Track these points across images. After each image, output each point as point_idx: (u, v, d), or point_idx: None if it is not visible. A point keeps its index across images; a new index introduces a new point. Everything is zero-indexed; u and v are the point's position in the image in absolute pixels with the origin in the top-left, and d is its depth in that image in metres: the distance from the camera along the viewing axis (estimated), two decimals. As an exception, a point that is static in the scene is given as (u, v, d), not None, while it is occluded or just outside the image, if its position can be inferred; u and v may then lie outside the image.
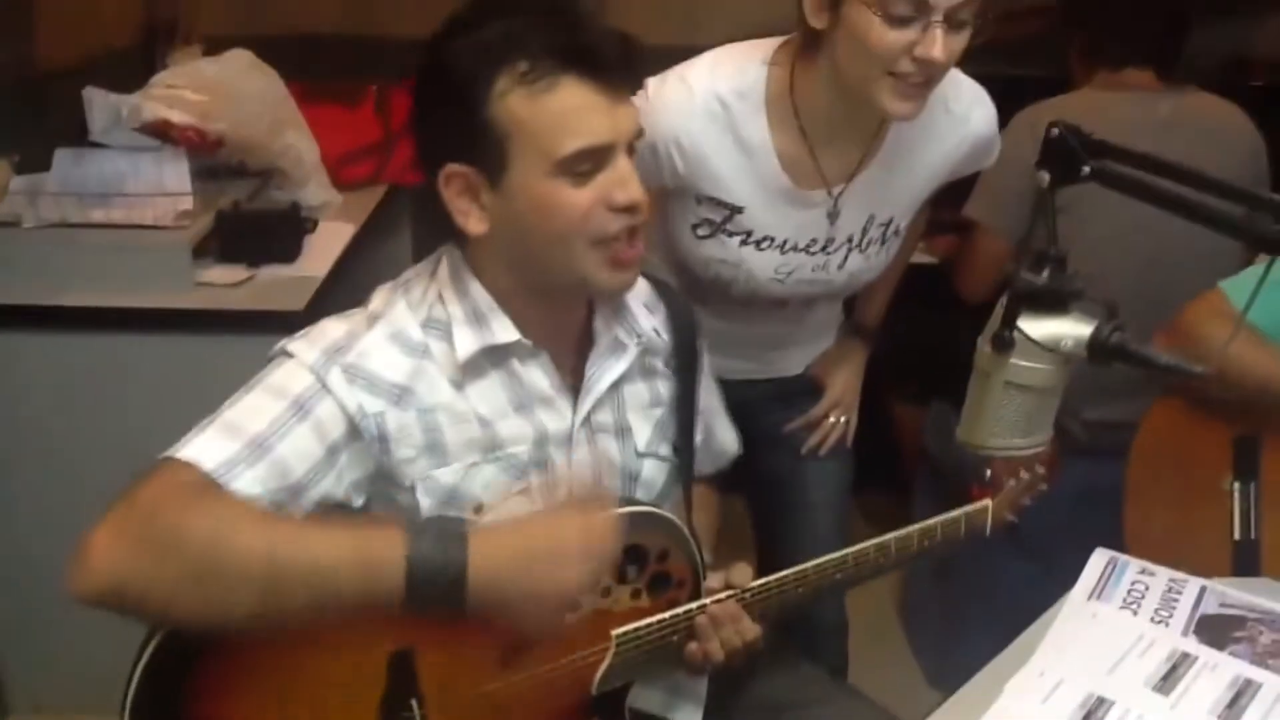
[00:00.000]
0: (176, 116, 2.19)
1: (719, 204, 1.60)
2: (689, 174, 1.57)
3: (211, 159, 2.30)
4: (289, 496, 1.15)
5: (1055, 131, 1.02)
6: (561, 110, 1.15)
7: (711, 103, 1.54)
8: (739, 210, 1.60)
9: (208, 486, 1.10)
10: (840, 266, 1.67)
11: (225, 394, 2.08)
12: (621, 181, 1.18)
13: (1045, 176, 1.02)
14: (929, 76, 1.42)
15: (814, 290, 1.70)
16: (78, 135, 2.17)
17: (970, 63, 2.08)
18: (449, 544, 1.09)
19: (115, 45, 2.66)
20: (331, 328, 1.24)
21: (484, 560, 1.09)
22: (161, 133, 2.17)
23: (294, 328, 2.04)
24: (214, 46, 2.59)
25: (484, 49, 1.16)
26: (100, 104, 2.16)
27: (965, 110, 1.63)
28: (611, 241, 1.20)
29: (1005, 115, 2.29)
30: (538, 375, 1.27)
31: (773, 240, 1.63)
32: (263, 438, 1.14)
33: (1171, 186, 1.02)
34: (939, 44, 1.37)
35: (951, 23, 1.38)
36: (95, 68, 2.44)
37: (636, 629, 1.26)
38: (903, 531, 1.43)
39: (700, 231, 1.64)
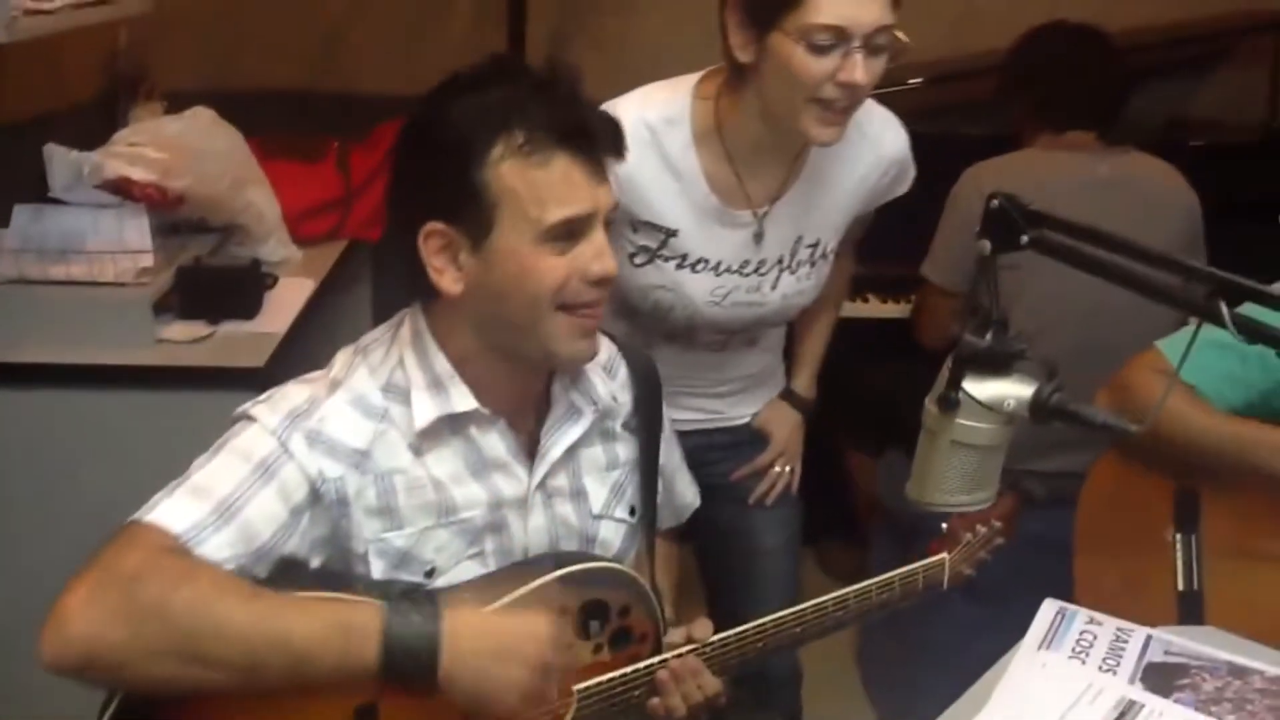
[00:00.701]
0: (138, 174, 2.19)
1: (654, 228, 1.66)
2: (623, 201, 1.62)
3: (172, 215, 2.31)
4: (254, 560, 1.16)
5: (995, 202, 1.06)
6: (554, 182, 1.19)
7: (640, 129, 1.60)
8: (673, 234, 1.66)
9: (180, 552, 1.12)
10: (773, 288, 1.72)
11: (186, 450, 2.08)
12: (598, 253, 1.23)
13: (986, 245, 1.07)
14: (851, 101, 1.51)
15: (750, 314, 1.74)
16: (37, 191, 2.17)
17: (925, 121, 2.16)
18: (425, 619, 1.13)
19: (77, 100, 2.66)
20: (293, 392, 1.26)
21: (457, 640, 1.13)
22: (123, 190, 2.17)
23: (254, 384, 2.06)
24: (176, 103, 2.62)
25: (483, 114, 1.20)
26: (61, 160, 2.17)
27: (879, 133, 1.71)
28: (579, 307, 1.24)
29: (957, 172, 2.38)
30: (494, 441, 1.29)
31: (706, 262, 1.68)
32: (229, 501, 1.16)
33: (1107, 256, 1.07)
34: (860, 68, 1.46)
35: (869, 47, 1.47)
36: (56, 123, 2.45)
37: (598, 684, 1.27)
38: (859, 585, 1.46)
39: (638, 260, 1.69)
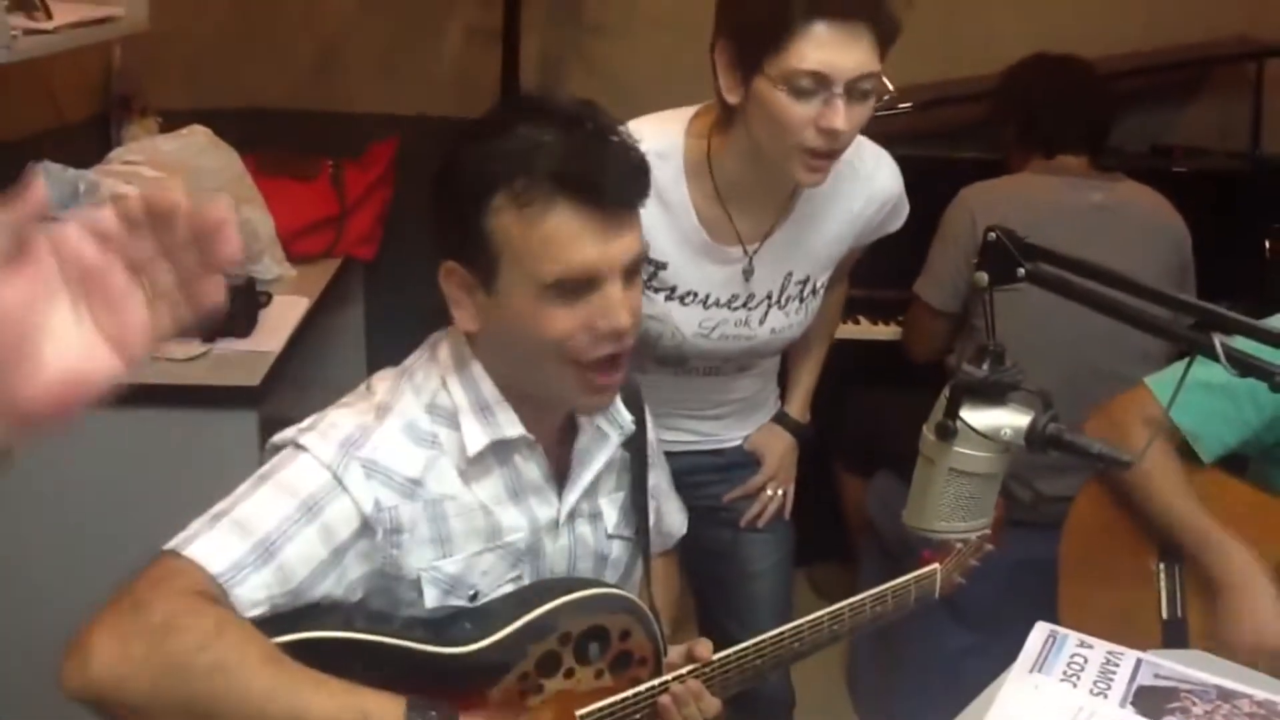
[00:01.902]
0: (134, 192, 2.20)
1: (649, 262, 1.66)
2: None
3: (168, 233, 2.31)
4: (290, 599, 1.16)
5: (993, 235, 1.08)
6: (550, 236, 1.17)
7: None
8: (663, 266, 1.67)
9: (215, 596, 1.11)
10: (761, 322, 1.73)
11: (181, 467, 2.08)
12: (608, 309, 1.19)
13: (984, 277, 1.09)
14: (834, 146, 1.52)
15: (738, 346, 1.75)
16: (32, 209, 2.17)
17: (914, 145, 2.18)
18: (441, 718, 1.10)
19: (71, 119, 2.67)
20: (342, 419, 1.24)
21: None
22: (119, 208, 2.18)
23: (250, 402, 2.07)
24: (170, 121, 2.62)
25: (491, 159, 1.18)
26: (56, 178, 2.17)
27: (871, 171, 1.72)
28: (589, 366, 1.22)
29: (948, 196, 2.41)
30: (532, 467, 1.30)
31: (695, 295, 1.69)
32: (270, 539, 1.14)
33: (1103, 290, 1.09)
34: (841, 115, 1.47)
35: (852, 94, 1.47)
36: (50, 141, 2.45)
37: (600, 709, 1.28)
38: (855, 599, 1.47)
39: None
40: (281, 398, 2.17)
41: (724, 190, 1.65)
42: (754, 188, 1.65)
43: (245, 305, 2.30)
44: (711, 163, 1.64)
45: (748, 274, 1.69)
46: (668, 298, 1.69)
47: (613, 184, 1.19)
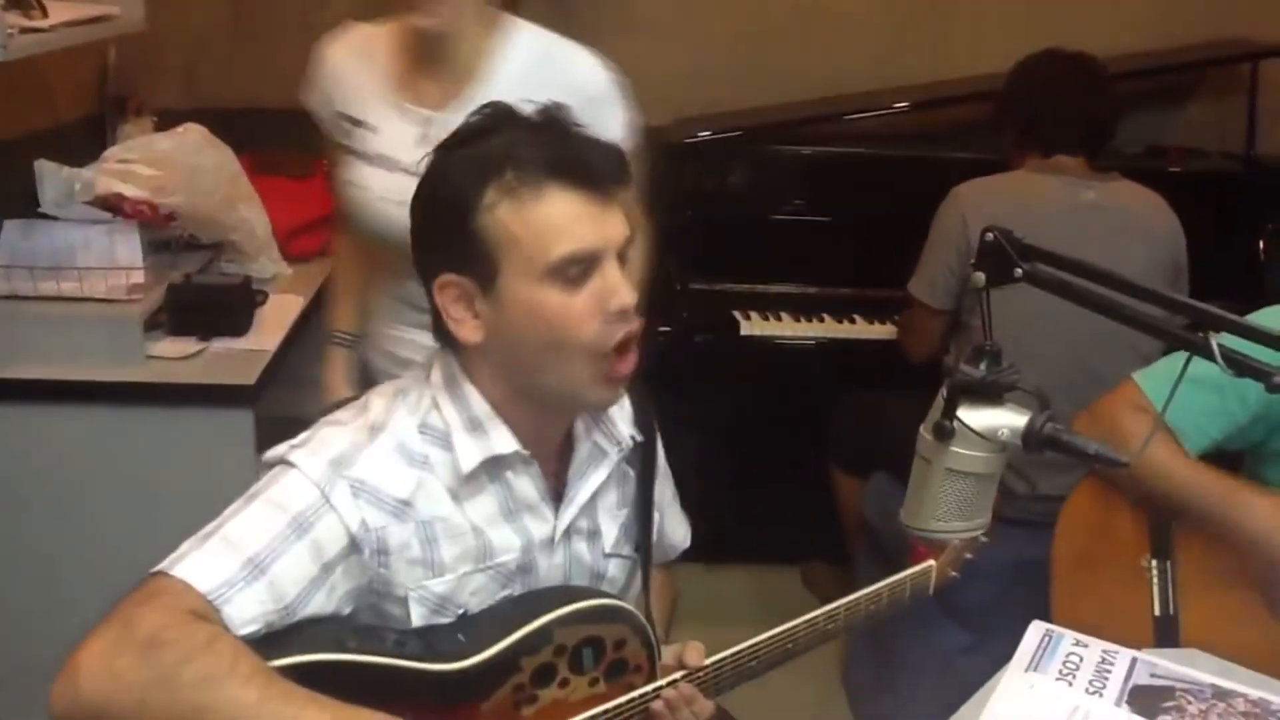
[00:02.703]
0: (130, 190, 2.20)
1: (350, 120, 1.83)
2: (332, 91, 1.85)
3: (163, 232, 2.31)
4: (283, 617, 1.15)
5: (990, 236, 1.09)
6: (548, 217, 1.18)
7: (354, 33, 1.84)
8: (359, 123, 1.82)
9: (204, 613, 1.10)
10: None
11: (175, 466, 2.08)
12: (613, 288, 1.20)
13: (981, 277, 1.09)
14: None
15: None
16: (27, 208, 2.17)
17: (912, 146, 2.18)
18: None
19: (66, 118, 2.67)
20: (333, 437, 1.23)
21: None
22: (114, 206, 2.18)
23: (245, 401, 2.08)
24: (165, 120, 2.62)
25: (474, 163, 1.21)
26: (52, 176, 2.17)
27: (569, 66, 1.82)
28: (608, 356, 1.22)
29: (942, 195, 2.42)
30: (527, 484, 1.29)
31: (385, 158, 1.79)
32: (259, 557, 1.14)
33: (1099, 290, 1.09)
34: None
35: None
36: (45, 140, 2.45)
37: (592, 716, 1.27)
38: (850, 598, 1.47)
39: (339, 156, 1.87)
40: (277, 396, 2.18)
41: (413, 45, 1.79)
42: (439, 45, 1.76)
43: (241, 304, 2.31)
44: (406, 18, 1.75)
45: (426, 137, 1.70)
46: (369, 164, 1.80)
47: (598, 165, 1.22)
